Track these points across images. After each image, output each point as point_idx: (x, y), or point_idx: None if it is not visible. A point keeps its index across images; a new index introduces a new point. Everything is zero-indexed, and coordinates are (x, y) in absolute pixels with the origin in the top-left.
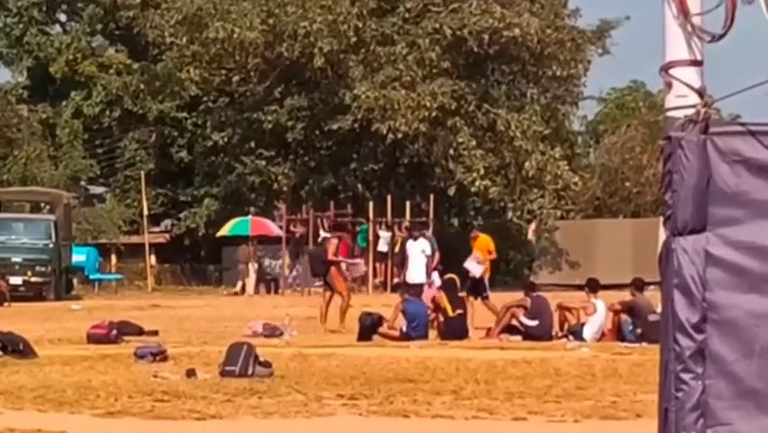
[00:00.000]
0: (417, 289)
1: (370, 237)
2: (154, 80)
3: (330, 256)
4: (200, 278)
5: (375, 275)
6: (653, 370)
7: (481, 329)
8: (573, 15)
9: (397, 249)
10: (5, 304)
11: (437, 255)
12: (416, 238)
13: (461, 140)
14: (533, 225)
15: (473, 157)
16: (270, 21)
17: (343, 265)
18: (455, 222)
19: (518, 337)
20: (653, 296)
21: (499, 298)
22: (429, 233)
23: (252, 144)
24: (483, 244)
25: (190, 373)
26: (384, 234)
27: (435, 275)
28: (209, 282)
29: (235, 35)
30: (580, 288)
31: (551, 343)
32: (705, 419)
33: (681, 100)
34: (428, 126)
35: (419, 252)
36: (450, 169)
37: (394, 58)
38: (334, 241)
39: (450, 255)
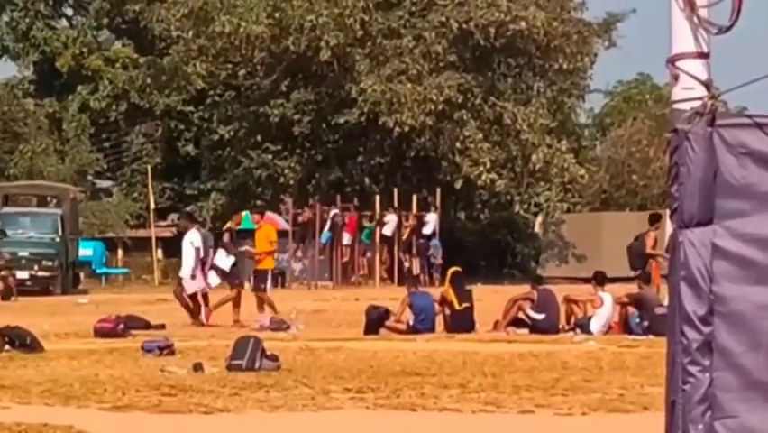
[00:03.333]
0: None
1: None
2: (160, 74)
3: (649, 250)
4: None
5: (382, 262)
6: (661, 362)
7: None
8: (579, 8)
9: (405, 236)
10: (12, 298)
11: (210, 252)
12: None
13: (467, 133)
14: (539, 218)
15: (480, 150)
16: (277, 14)
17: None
18: (462, 215)
19: (525, 330)
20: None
21: (506, 291)
22: (204, 229)
23: (259, 138)
24: (265, 234)
25: (197, 366)
26: (391, 218)
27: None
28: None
29: (241, 29)
30: (586, 281)
31: (558, 336)
32: (712, 412)
33: (687, 92)
34: (435, 120)
35: (188, 243)
36: (456, 162)
37: (400, 51)
38: (653, 234)
39: (457, 248)
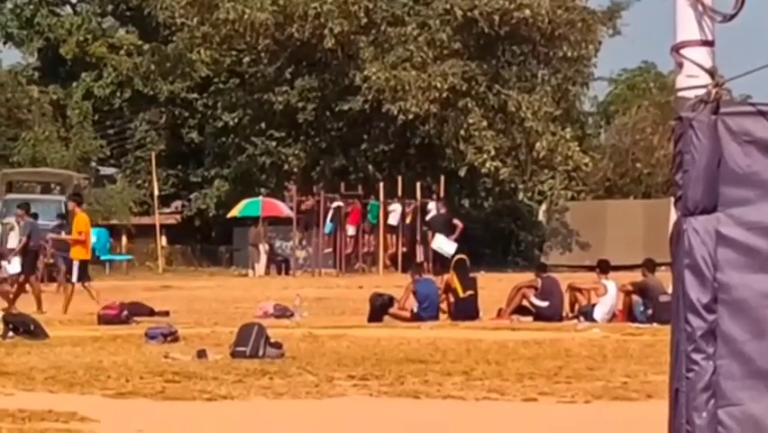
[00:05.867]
0: None
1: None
2: (165, 61)
3: None
4: (211, 259)
5: (386, 249)
6: (664, 350)
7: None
8: None
9: (408, 219)
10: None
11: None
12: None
13: (471, 121)
14: (543, 206)
15: (484, 138)
16: (281, 2)
17: None
18: (466, 203)
19: (529, 318)
20: (664, 276)
21: (511, 278)
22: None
23: (263, 125)
24: (76, 223)
25: (201, 353)
26: (394, 208)
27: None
28: (220, 263)
29: (246, 16)
30: (590, 269)
31: (561, 324)
32: (716, 400)
33: (691, 80)
34: (439, 107)
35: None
36: (461, 150)
37: (405, 39)
38: None
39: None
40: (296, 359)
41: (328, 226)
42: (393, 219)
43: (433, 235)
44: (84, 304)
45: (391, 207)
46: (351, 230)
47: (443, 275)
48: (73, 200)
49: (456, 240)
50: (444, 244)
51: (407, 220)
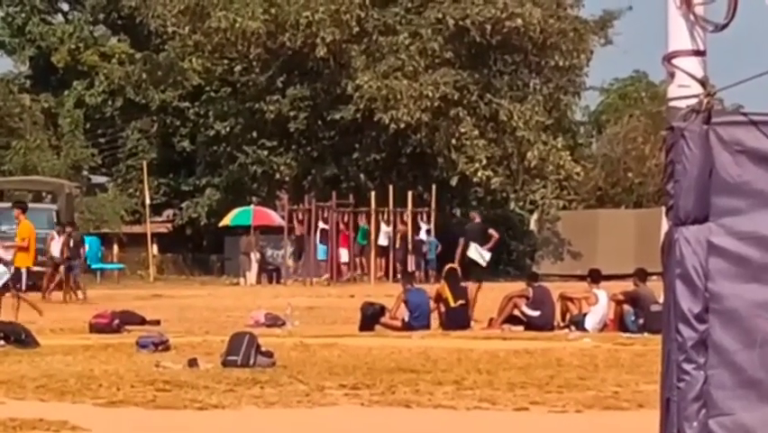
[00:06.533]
0: None
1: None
2: (156, 70)
3: None
4: (202, 268)
5: (377, 270)
6: (656, 360)
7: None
8: (576, 5)
9: (398, 244)
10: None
11: None
12: None
13: (463, 130)
14: (535, 216)
15: (475, 147)
16: (273, 10)
17: None
18: (457, 212)
19: (520, 327)
20: (655, 286)
21: (502, 288)
22: None
23: (254, 134)
24: (20, 231)
25: (192, 362)
26: (385, 229)
27: None
28: (211, 272)
29: (237, 25)
30: (582, 278)
31: (553, 333)
32: (707, 409)
33: (683, 90)
34: (430, 116)
35: None
36: (452, 159)
37: (396, 48)
38: None
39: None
40: (287, 368)
41: (321, 251)
42: (383, 240)
43: (467, 244)
44: (75, 312)
45: (383, 228)
46: (344, 256)
47: (477, 283)
48: (18, 207)
49: (490, 249)
50: (479, 254)
51: (397, 244)
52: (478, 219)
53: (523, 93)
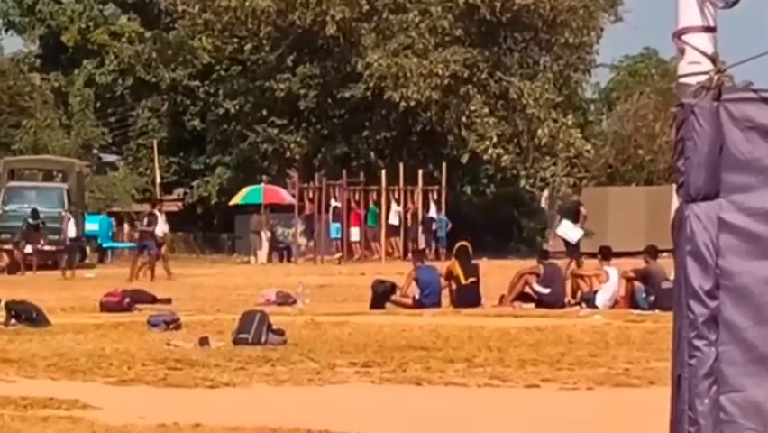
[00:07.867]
0: None
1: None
2: (166, 49)
3: None
4: (213, 246)
5: (388, 248)
6: (666, 337)
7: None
8: None
9: (410, 222)
10: (19, 273)
11: None
12: None
13: (473, 108)
14: (545, 193)
15: (486, 125)
16: None
17: None
18: (468, 190)
19: (531, 305)
20: (666, 263)
21: (512, 265)
22: None
23: (265, 112)
24: None
25: (203, 341)
26: (396, 208)
27: None
28: (222, 251)
29: (247, 3)
30: (592, 255)
31: (564, 310)
32: (718, 386)
33: (693, 67)
34: (440, 94)
35: None
36: (462, 137)
37: (406, 26)
38: None
39: (463, 223)
40: (298, 346)
41: (333, 230)
42: (394, 219)
43: (560, 221)
44: (87, 291)
45: (393, 208)
46: (355, 234)
47: (571, 259)
48: None
49: (582, 227)
50: (570, 231)
51: (409, 223)
52: (575, 197)
53: (533, 70)
